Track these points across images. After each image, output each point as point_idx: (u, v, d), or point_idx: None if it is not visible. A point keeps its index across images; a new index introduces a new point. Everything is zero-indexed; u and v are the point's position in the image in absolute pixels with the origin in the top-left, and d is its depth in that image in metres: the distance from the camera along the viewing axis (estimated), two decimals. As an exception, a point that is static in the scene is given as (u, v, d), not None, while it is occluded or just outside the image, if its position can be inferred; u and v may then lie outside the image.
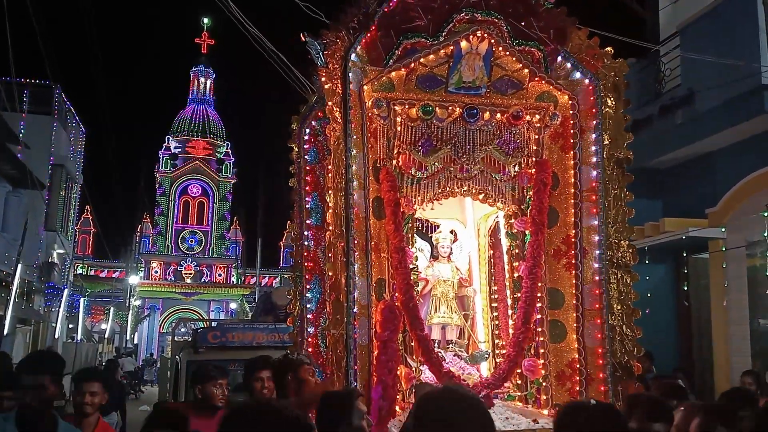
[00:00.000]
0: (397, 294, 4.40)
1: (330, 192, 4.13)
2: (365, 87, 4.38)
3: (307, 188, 5.03)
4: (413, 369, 4.46)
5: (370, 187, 4.35)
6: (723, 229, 10.25)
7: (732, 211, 10.15)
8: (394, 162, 4.52)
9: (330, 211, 4.12)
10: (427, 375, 4.50)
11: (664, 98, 11.71)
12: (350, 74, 4.25)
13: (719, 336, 10.43)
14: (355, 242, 4.11)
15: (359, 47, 4.34)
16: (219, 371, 4.90)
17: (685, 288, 11.42)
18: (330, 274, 4.13)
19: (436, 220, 5.39)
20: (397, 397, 4.15)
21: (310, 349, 4.73)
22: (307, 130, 5.11)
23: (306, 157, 5.13)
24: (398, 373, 4.25)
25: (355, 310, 4.03)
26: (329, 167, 4.19)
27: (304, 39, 4.33)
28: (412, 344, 4.50)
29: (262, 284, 43.62)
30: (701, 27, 10.88)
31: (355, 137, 4.22)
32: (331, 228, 4.12)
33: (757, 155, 9.67)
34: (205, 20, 49.07)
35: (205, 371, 4.84)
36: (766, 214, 9.19)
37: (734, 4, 10.37)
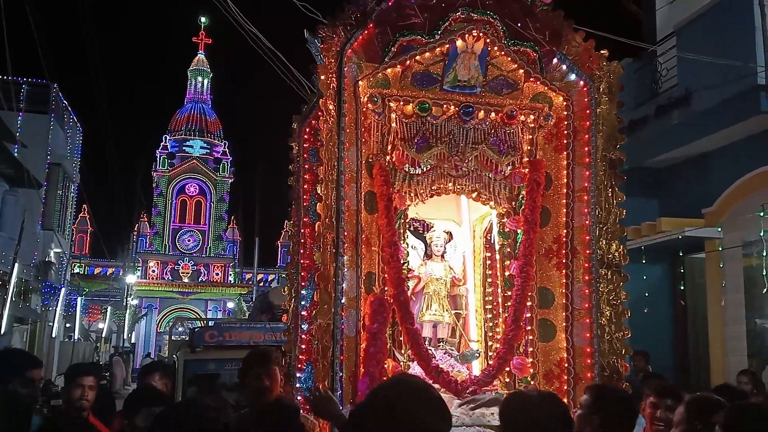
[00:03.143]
0: (388, 288, 4.41)
1: (321, 183, 4.14)
2: (360, 83, 4.39)
3: (305, 186, 5.04)
4: (401, 363, 4.47)
5: (363, 182, 4.36)
6: (719, 229, 10.28)
7: (728, 210, 10.18)
8: (388, 158, 4.54)
9: (321, 202, 4.13)
10: (415, 370, 4.52)
11: (660, 98, 11.74)
12: (345, 69, 4.26)
13: (716, 335, 10.47)
14: (345, 234, 4.11)
15: (355, 43, 4.36)
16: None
17: (682, 288, 11.46)
18: (319, 264, 4.14)
19: (431, 220, 5.41)
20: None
21: (303, 346, 4.75)
22: (308, 130, 5.13)
23: (305, 156, 5.14)
24: (385, 366, 4.26)
25: (343, 301, 4.04)
26: (322, 159, 4.20)
27: (306, 37, 4.35)
28: (401, 338, 4.51)
29: (260, 284, 43.62)
30: (697, 27, 10.91)
31: (348, 131, 4.23)
32: (321, 219, 4.13)
33: (753, 155, 9.71)
34: (203, 19, 49.16)
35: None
36: (762, 214, 9.22)
37: (730, 4, 10.40)
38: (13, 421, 3.44)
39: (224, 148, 48.95)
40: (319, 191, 4.13)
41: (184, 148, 47.79)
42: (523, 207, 4.69)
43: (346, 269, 4.10)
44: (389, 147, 4.53)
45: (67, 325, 26.90)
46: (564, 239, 4.62)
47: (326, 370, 3.96)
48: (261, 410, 3.97)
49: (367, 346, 4.13)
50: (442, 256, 5.29)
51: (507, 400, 2.64)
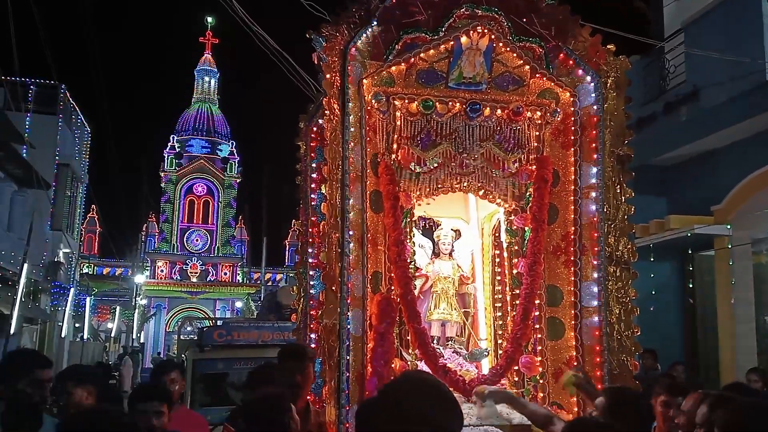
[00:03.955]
0: (395, 287, 4.39)
1: (326, 183, 4.13)
2: (365, 81, 4.37)
3: (313, 185, 5.03)
4: (408, 362, 4.45)
5: (368, 181, 4.34)
6: (729, 227, 10.21)
7: (737, 208, 10.11)
8: (393, 156, 4.52)
9: (326, 202, 4.11)
10: (422, 369, 4.50)
11: (668, 95, 11.69)
12: (349, 68, 4.24)
13: (725, 333, 10.40)
14: (351, 233, 4.10)
15: (359, 42, 4.34)
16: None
17: (691, 285, 11.40)
18: (325, 264, 4.13)
19: (439, 218, 5.38)
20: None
21: (312, 345, 4.74)
22: (315, 129, 5.12)
23: (312, 154, 5.13)
24: (393, 366, 4.24)
25: (348, 300, 4.02)
26: (326, 158, 4.18)
27: (309, 37, 4.34)
28: (408, 338, 4.49)
29: (268, 283, 43.67)
30: (705, 23, 10.85)
31: (352, 130, 4.21)
32: (326, 218, 4.12)
33: (762, 152, 9.63)
34: (209, 19, 49.25)
35: None
36: (771, 211, 9.17)
37: (738, 0, 10.34)
38: (19, 421, 3.43)
39: (231, 147, 49.04)
40: (323, 191, 4.11)
41: (191, 147, 47.90)
42: (530, 204, 4.66)
43: (351, 269, 4.08)
44: (395, 145, 4.51)
45: (77, 325, 26.98)
46: (572, 236, 4.59)
47: (333, 370, 3.95)
48: (247, 405, 3.92)
49: (375, 345, 4.11)
50: (450, 255, 5.26)
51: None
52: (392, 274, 4.42)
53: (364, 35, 4.35)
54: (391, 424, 2.03)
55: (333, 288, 4.02)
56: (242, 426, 3.79)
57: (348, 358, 3.97)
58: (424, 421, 2.02)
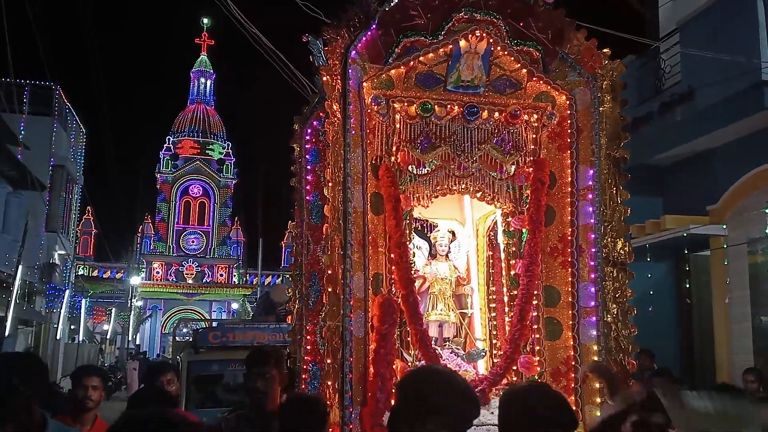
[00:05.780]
0: (397, 288, 4.42)
1: (328, 186, 4.15)
2: (365, 84, 4.40)
3: (308, 187, 5.04)
4: (409, 363, 4.48)
5: (369, 183, 4.37)
6: (724, 226, 10.26)
7: (733, 208, 10.15)
8: (393, 159, 4.54)
9: (328, 204, 4.14)
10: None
11: (664, 95, 11.72)
12: (350, 71, 4.26)
13: (721, 333, 10.44)
14: (353, 236, 4.12)
15: (359, 45, 4.36)
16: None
17: (687, 286, 11.42)
18: (327, 266, 4.14)
19: (434, 220, 5.41)
20: (393, 390, 4.17)
21: (308, 347, 4.75)
22: (309, 130, 5.13)
23: (307, 156, 5.14)
24: (394, 366, 4.26)
25: (351, 302, 4.05)
26: (328, 161, 4.20)
27: (306, 40, 4.34)
28: (409, 339, 4.52)
29: (264, 284, 43.67)
30: (701, 23, 10.89)
31: (353, 133, 4.23)
32: (329, 221, 4.14)
33: (758, 152, 9.67)
34: (205, 20, 49.23)
35: None
36: (767, 211, 9.20)
37: (733, 0, 10.38)
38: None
39: (227, 149, 49.01)
40: (326, 193, 4.13)
41: (187, 149, 47.84)
42: (528, 206, 4.69)
43: (353, 271, 4.10)
44: (394, 148, 4.53)
45: (72, 326, 26.98)
46: (569, 238, 4.62)
47: (336, 372, 3.97)
48: (281, 405, 3.94)
49: (377, 347, 4.14)
50: (447, 256, 5.29)
51: (502, 395, 2.64)
52: (393, 276, 4.45)
53: (364, 39, 4.36)
54: (414, 416, 2.09)
55: (336, 290, 4.04)
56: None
57: (351, 359, 4.00)
58: (444, 410, 2.06)
